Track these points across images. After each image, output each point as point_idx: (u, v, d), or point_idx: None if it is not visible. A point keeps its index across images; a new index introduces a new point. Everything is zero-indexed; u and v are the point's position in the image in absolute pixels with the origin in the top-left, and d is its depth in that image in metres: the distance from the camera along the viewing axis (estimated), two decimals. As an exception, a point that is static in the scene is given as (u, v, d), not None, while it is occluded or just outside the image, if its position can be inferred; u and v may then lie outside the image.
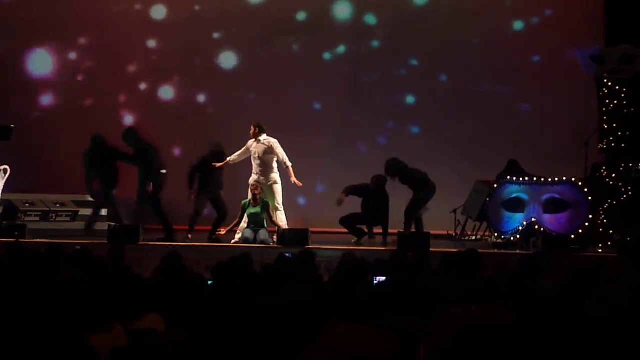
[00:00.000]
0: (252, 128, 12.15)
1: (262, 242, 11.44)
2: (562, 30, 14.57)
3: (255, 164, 12.12)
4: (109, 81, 15.27)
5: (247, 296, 5.43)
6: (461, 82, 15.00)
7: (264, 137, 12.11)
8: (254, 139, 12.15)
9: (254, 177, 12.04)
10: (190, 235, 12.00)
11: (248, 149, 12.20)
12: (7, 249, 7.85)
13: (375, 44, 15.37)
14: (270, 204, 11.82)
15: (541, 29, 14.91)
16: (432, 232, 11.44)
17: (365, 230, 12.31)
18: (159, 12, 15.48)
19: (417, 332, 4.70)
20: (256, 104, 15.08)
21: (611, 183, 11.86)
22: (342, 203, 12.17)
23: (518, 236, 11.54)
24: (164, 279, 6.52)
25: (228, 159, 12.23)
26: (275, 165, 12.13)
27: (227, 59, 15.45)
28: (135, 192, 12.19)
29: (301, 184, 12.12)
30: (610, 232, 11.59)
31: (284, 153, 12.04)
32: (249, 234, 11.54)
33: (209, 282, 6.43)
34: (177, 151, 15.18)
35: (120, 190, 12.70)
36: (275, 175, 12.11)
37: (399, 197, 12.47)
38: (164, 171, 12.15)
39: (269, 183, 12.02)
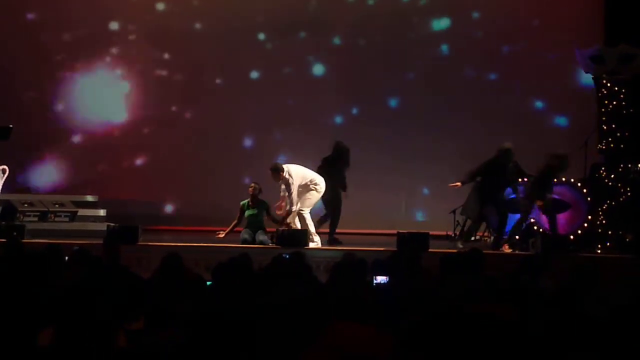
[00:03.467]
0: None
1: (261, 242, 11.44)
2: (561, 30, 14.56)
3: None
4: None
5: (246, 297, 5.42)
6: (461, 81, 14.98)
7: None
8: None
9: None
10: None
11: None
12: (6, 248, 7.82)
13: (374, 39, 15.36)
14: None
15: (541, 29, 14.90)
16: (431, 232, 11.42)
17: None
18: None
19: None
20: (255, 104, 15.08)
21: (610, 184, 11.85)
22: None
23: (517, 237, 11.52)
24: (164, 279, 6.51)
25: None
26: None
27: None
28: None
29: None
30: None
31: None
32: (247, 234, 11.54)
33: (208, 283, 6.42)
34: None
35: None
36: None
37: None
38: None
39: None
